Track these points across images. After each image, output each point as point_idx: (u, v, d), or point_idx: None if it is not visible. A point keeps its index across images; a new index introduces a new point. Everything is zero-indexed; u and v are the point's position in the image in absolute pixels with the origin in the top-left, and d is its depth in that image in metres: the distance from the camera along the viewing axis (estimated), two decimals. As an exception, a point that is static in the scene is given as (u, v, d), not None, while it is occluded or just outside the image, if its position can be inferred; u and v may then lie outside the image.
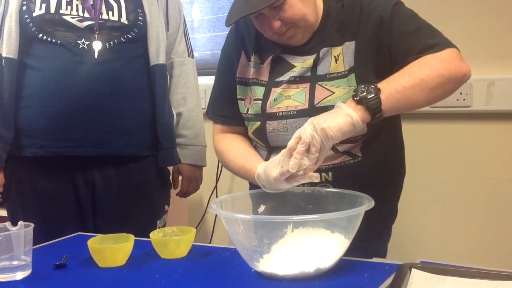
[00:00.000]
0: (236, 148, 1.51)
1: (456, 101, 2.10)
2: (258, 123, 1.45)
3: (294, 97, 1.41)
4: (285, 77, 1.43)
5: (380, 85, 1.26)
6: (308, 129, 1.19)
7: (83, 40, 1.68)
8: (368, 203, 1.16)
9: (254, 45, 1.50)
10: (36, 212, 1.74)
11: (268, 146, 1.46)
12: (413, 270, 1.10)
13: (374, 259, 1.28)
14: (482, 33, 2.11)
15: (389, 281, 1.09)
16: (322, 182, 1.41)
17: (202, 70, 2.77)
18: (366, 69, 1.37)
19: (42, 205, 1.76)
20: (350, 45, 1.39)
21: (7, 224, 1.24)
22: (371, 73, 1.37)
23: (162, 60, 1.80)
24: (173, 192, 2.02)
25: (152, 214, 1.86)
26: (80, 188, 1.77)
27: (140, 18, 1.76)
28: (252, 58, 1.50)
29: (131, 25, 1.75)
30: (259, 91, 1.46)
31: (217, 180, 2.64)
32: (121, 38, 1.72)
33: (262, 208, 1.35)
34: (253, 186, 1.59)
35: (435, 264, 1.16)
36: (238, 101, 1.51)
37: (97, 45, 1.69)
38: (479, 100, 2.11)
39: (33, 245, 1.26)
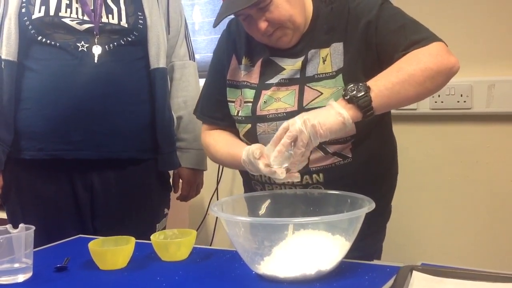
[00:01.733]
0: (222, 139, 1.53)
1: (457, 103, 2.10)
2: (249, 125, 1.46)
3: (284, 99, 1.42)
4: (275, 79, 1.44)
5: (370, 82, 1.26)
6: (298, 123, 1.19)
7: (82, 43, 1.68)
8: (369, 205, 1.16)
9: (245, 48, 1.51)
10: (35, 214, 1.74)
11: None
12: (414, 272, 1.10)
13: (375, 261, 1.28)
14: (482, 35, 2.11)
15: (390, 283, 1.09)
16: (314, 184, 1.42)
17: (203, 73, 2.76)
18: (354, 70, 1.38)
19: (41, 207, 1.76)
20: (338, 46, 1.40)
21: (8, 226, 1.25)
22: (360, 73, 1.37)
23: (162, 63, 1.80)
24: (174, 195, 2.02)
25: (151, 217, 1.86)
26: (79, 191, 1.76)
27: (140, 21, 1.76)
28: (243, 61, 1.51)
29: (131, 28, 1.74)
30: (250, 93, 1.47)
31: (218, 183, 2.63)
32: (121, 41, 1.72)
33: (262, 210, 1.35)
34: (248, 189, 1.59)
35: (435, 266, 1.16)
36: (229, 103, 1.52)
37: (96, 49, 1.69)
38: (480, 102, 2.11)
39: (33, 247, 1.26)
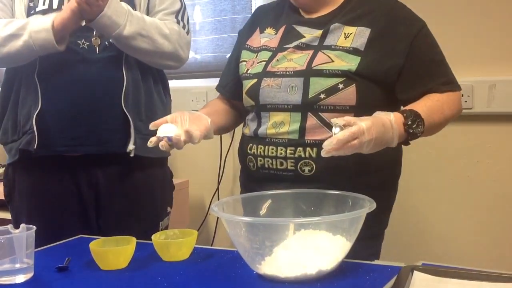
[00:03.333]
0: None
1: (457, 103, 2.10)
2: (255, 80, 1.51)
3: (296, 60, 1.47)
4: (293, 44, 1.49)
5: (424, 116, 1.35)
6: (366, 138, 1.23)
7: (83, 40, 1.69)
8: (370, 205, 1.16)
9: (273, 21, 1.59)
10: (40, 214, 1.74)
11: (257, 105, 1.50)
12: (415, 272, 1.10)
13: (376, 262, 1.28)
14: (483, 35, 2.11)
15: (391, 283, 1.09)
16: (306, 158, 1.42)
17: (204, 72, 2.77)
18: (372, 62, 1.41)
19: (45, 206, 1.76)
20: (364, 31, 1.44)
21: (9, 226, 1.25)
22: (377, 67, 1.42)
23: None
24: (176, 194, 2.02)
25: (154, 216, 1.86)
26: (83, 189, 1.77)
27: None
28: (267, 30, 1.58)
29: None
30: (266, 54, 1.53)
31: (218, 183, 2.64)
32: None
33: (263, 210, 1.35)
34: (242, 187, 1.60)
35: (436, 266, 1.16)
36: (240, 63, 1.59)
37: (96, 42, 1.70)
38: (481, 102, 2.11)
39: (36, 246, 1.26)
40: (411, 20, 1.48)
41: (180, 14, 1.83)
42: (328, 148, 1.22)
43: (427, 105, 1.40)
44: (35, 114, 1.67)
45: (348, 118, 1.26)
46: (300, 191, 1.36)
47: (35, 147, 1.68)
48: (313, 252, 1.14)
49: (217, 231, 2.67)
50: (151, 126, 1.39)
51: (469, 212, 2.18)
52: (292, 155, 1.43)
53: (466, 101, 2.09)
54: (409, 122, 1.32)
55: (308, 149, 1.42)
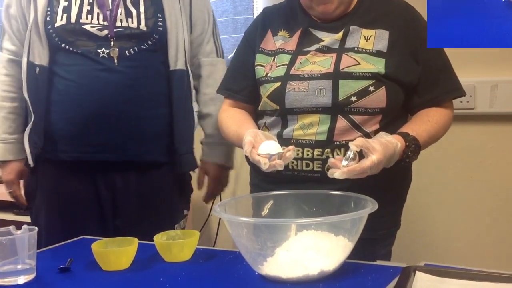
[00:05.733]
0: (235, 117, 1.57)
1: (460, 104, 2.09)
2: (278, 83, 1.47)
3: (320, 63, 1.45)
4: (313, 48, 1.48)
5: (422, 144, 1.40)
6: (374, 172, 1.27)
7: (103, 49, 1.71)
8: (372, 206, 1.16)
9: (284, 23, 1.56)
10: (58, 214, 1.78)
11: (282, 109, 1.47)
12: (417, 272, 1.10)
13: (378, 262, 1.28)
14: (485, 35, 2.11)
15: (393, 283, 1.09)
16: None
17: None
18: (397, 65, 1.42)
19: (64, 207, 1.79)
20: (383, 33, 1.45)
21: (11, 228, 1.25)
22: (402, 70, 1.43)
23: (180, 65, 1.80)
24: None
25: (169, 218, 1.87)
26: (101, 190, 1.79)
27: (160, 23, 1.76)
28: (280, 33, 1.55)
29: (150, 31, 1.75)
30: (286, 57, 1.50)
31: (220, 183, 2.63)
32: (141, 46, 1.73)
33: (265, 211, 1.35)
34: (254, 188, 1.59)
35: (439, 266, 1.16)
36: (256, 67, 1.55)
37: (115, 53, 1.71)
38: (483, 102, 2.11)
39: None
40: (419, 24, 1.47)
41: (218, 48, 1.98)
42: (339, 177, 1.25)
43: (427, 130, 1.43)
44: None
45: (364, 144, 1.27)
46: (302, 192, 1.36)
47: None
48: (315, 253, 1.14)
49: (219, 232, 2.67)
50: (247, 152, 1.31)
51: (471, 212, 2.18)
52: (319, 157, 1.42)
53: (468, 102, 2.09)
54: (409, 153, 1.37)
55: (336, 150, 1.41)
